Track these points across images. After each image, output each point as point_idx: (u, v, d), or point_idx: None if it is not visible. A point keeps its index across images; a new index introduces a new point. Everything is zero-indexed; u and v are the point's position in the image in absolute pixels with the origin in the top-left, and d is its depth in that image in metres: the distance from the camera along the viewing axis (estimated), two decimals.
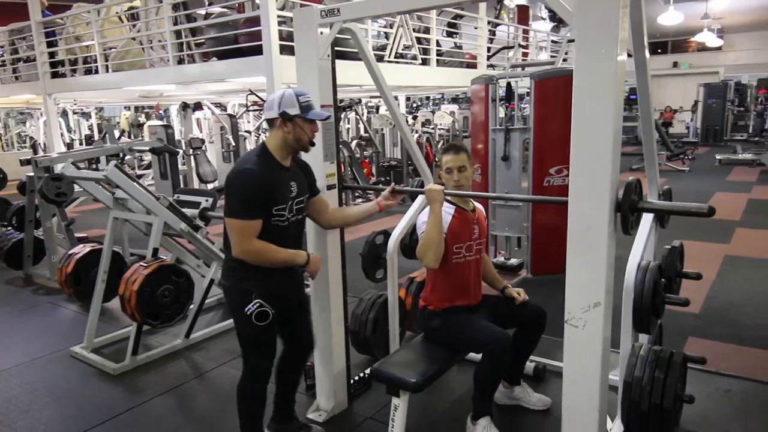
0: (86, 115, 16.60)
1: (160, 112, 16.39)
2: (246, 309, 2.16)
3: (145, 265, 3.36)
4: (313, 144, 2.27)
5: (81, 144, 14.19)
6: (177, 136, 9.22)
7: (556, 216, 4.84)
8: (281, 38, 6.33)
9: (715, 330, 3.68)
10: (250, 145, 10.12)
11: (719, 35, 17.79)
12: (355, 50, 2.73)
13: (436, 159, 9.33)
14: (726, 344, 3.48)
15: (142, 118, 15.30)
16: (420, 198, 3.12)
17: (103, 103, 15.13)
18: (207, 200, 3.85)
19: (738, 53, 19.93)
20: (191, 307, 3.72)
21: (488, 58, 9.95)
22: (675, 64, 21.08)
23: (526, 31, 12.55)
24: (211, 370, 3.45)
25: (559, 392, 2.83)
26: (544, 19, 14.70)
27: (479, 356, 2.50)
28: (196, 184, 9.08)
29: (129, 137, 13.48)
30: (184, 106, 9.13)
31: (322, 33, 2.50)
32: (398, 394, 2.32)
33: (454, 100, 18.19)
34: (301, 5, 6.97)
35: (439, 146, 10.32)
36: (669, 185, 2.65)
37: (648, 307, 2.32)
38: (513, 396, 2.82)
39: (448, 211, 2.58)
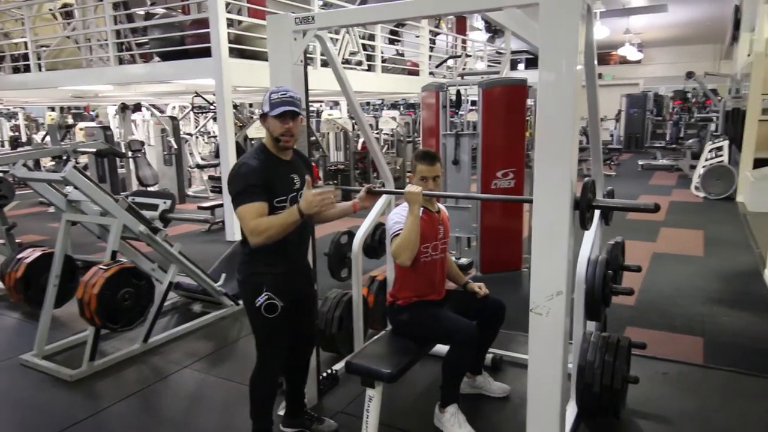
0: (8, 116, 15.67)
1: (91, 112, 15.70)
2: (256, 301, 2.27)
3: (105, 267, 3.30)
4: (286, 140, 2.28)
5: (4, 146, 13.40)
6: (116, 138, 8.92)
7: (502, 218, 5.14)
8: (229, 41, 6.28)
9: (650, 319, 4.02)
10: (192, 147, 9.91)
11: (639, 49, 19.03)
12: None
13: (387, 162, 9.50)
14: (660, 332, 3.81)
15: (69, 119, 14.61)
16: (383, 199, 3.25)
17: (28, 104, 14.36)
18: (165, 202, 3.81)
19: (656, 66, 21.41)
20: (150, 310, 3.67)
21: (437, 66, 10.21)
22: (599, 76, 22.31)
23: (464, 41, 12.98)
24: (173, 374, 3.42)
25: (516, 380, 3.06)
26: (480, 29, 15.23)
27: (443, 351, 2.65)
28: (135, 187, 8.81)
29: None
30: (124, 108, 8.85)
31: (296, 39, 2.59)
32: (373, 385, 2.42)
33: (394, 106, 18.49)
34: (249, 9, 6.96)
35: (384, 150, 10.50)
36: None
37: (599, 296, 2.54)
38: (475, 385, 2.98)
39: None
